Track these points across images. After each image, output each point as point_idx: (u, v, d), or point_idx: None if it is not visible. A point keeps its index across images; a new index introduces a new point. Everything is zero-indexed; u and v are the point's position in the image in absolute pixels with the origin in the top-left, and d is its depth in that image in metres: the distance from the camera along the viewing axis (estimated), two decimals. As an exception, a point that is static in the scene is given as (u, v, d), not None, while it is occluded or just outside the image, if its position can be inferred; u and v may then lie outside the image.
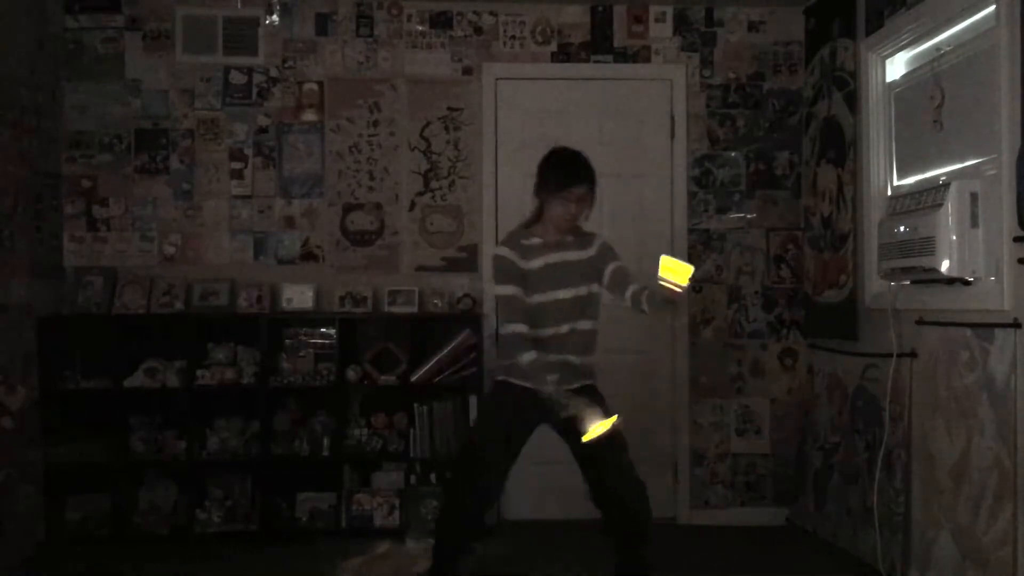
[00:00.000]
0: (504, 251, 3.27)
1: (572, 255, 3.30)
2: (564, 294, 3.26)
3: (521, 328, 3.18)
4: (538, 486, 4.71)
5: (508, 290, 3.23)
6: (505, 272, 3.24)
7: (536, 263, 3.25)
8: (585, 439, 3.05)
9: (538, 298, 3.24)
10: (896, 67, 4.02)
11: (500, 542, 4.46)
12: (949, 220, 3.29)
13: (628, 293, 3.25)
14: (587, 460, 3.28)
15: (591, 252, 3.33)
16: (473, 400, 4.57)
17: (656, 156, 4.90)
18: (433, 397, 4.60)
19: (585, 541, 4.37)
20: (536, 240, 3.28)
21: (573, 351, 3.26)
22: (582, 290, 3.29)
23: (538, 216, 3.32)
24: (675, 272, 2.96)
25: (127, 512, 4.52)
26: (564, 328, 3.25)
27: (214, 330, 4.68)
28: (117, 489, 4.54)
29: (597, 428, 3.04)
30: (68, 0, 4.75)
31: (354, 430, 4.64)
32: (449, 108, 4.87)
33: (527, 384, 3.22)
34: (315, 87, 4.85)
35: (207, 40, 4.81)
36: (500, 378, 3.34)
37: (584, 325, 3.29)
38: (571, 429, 3.21)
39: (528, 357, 3.14)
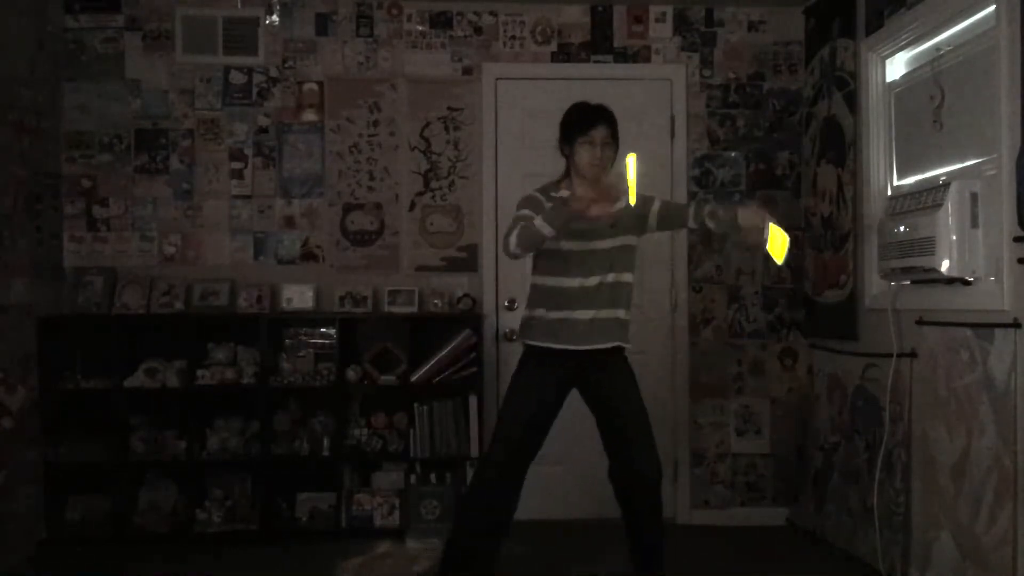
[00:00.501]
0: (534, 192, 3.33)
1: None
2: (598, 244, 3.28)
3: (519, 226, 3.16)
4: (539, 486, 4.70)
5: (525, 212, 3.23)
6: (529, 203, 3.27)
7: None
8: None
9: (568, 245, 3.24)
10: (896, 67, 4.02)
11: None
12: (949, 220, 3.29)
13: (690, 216, 3.33)
14: (608, 425, 3.34)
15: (620, 203, 3.29)
16: (473, 400, 4.58)
17: (656, 156, 4.89)
18: (433, 397, 4.60)
19: (587, 541, 4.38)
20: (565, 192, 3.29)
21: (602, 304, 3.27)
22: (617, 241, 3.31)
23: (565, 174, 3.38)
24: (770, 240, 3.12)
25: (127, 512, 4.52)
26: (592, 280, 3.26)
27: (214, 330, 4.68)
28: (117, 489, 4.53)
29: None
30: (68, 0, 4.76)
31: (354, 430, 4.64)
32: (449, 108, 4.87)
33: (551, 344, 3.25)
34: (315, 87, 4.85)
35: (207, 40, 4.81)
36: (525, 343, 3.36)
37: (610, 278, 3.29)
38: (596, 392, 3.31)
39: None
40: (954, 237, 3.29)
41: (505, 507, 3.39)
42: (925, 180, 3.72)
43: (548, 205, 3.25)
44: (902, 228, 3.54)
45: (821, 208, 4.55)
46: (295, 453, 4.56)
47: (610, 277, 3.30)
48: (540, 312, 3.31)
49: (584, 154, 3.28)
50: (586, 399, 3.41)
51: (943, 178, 3.53)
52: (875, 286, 4.05)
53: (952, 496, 3.39)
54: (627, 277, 3.36)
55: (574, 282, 3.25)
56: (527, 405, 3.31)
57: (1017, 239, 3.04)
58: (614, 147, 3.32)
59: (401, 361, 4.64)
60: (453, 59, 4.88)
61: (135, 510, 4.53)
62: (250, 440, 4.59)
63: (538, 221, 3.12)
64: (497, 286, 4.85)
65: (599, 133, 3.27)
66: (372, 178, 4.86)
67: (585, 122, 3.28)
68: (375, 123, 4.86)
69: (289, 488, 4.60)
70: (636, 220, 3.34)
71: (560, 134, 3.37)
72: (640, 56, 4.91)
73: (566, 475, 4.70)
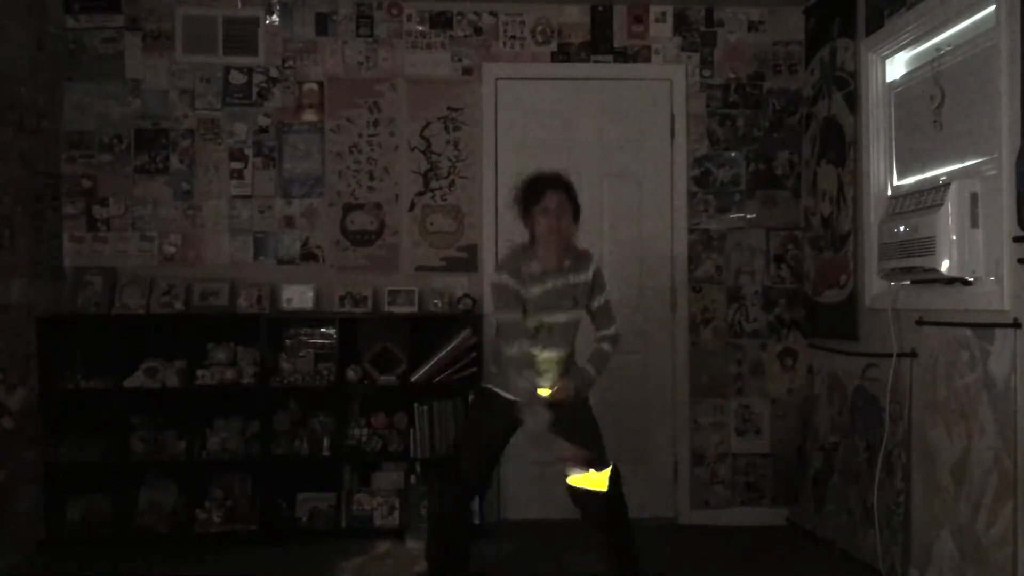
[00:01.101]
0: (505, 279, 3.33)
1: (571, 279, 3.39)
2: (560, 317, 3.37)
3: (526, 348, 3.28)
4: (538, 486, 4.71)
5: (509, 316, 3.31)
6: (506, 301, 3.31)
7: (536, 290, 3.32)
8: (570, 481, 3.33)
9: (535, 319, 3.34)
10: (896, 67, 4.02)
11: (500, 542, 4.46)
12: (949, 220, 3.29)
13: (597, 336, 3.49)
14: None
15: (587, 276, 3.42)
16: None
17: (656, 156, 4.90)
18: (433, 397, 4.60)
19: (585, 541, 4.38)
20: (536, 267, 3.34)
21: (553, 373, 3.40)
22: (574, 314, 3.41)
23: (531, 240, 3.41)
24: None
25: (127, 512, 4.52)
26: (552, 353, 3.36)
27: (214, 330, 4.68)
28: (117, 489, 4.54)
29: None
30: (68, 0, 4.76)
31: (354, 430, 4.64)
32: (449, 108, 4.87)
33: (508, 396, 3.34)
34: (315, 87, 4.85)
35: (207, 40, 4.81)
36: (484, 385, 3.51)
37: (566, 350, 3.42)
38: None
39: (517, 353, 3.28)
40: (954, 237, 3.29)
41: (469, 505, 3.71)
42: (925, 180, 3.72)
43: (518, 287, 3.30)
44: (902, 228, 3.54)
45: (821, 208, 4.55)
46: (295, 453, 4.56)
47: (564, 349, 3.40)
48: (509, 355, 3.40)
49: (542, 222, 3.33)
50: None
51: (943, 178, 3.53)
52: (875, 286, 4.05)
53: (952, 496, 3.39)
54: (571, 348, 3.47)
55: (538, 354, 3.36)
56: (494, 413, 3.44)
57: (1017, 239, 3.04)
58: (572, 211, 3.38)
59: (401, 361, 4.64)
60: (453, 59, 4.88)
61: (135, 510, 4.53)
62: (250, 440, 4.59)
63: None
64: (497, 286, 4.84)
65: (553, 199, 3.32)
66: (372, 178, 4.86)
67: (538, 190, 3.34)
68: (375, 123, 4.86)
69: (289, 488, 4.60)
70: (587, 298, 3.45)
71: (518, 207, 3.42)
72: (640, 56, 4.91)
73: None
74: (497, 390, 3.39)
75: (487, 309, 4.79)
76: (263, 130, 4.83)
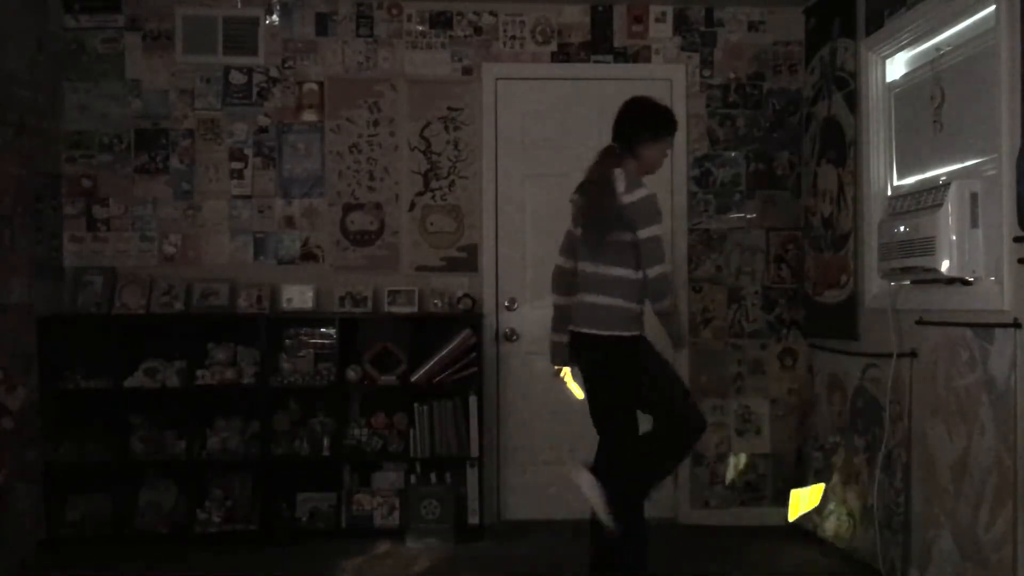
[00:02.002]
0: (650, 190, 3.35)
1: None
2: None
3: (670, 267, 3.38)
4: (538, 486, 4.71)
5: (662, 229, 3.34)
6: (659, 211, 3.34)
7: None
8: None
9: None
10: (896, 67, 4.02)
11: (500, 542, 4.47)
12: (949, 220, 3.29)
13: None
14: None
15: None
16: (473, 400, 4.57)
17: (656, 156, 4.89)
18: (433, 397, 4.60)
19: (586, 541, 4.38)
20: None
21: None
22: None
23: (630, 157, 3.42)
24: None
25: (127, 512, 4.52)
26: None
27: (214, 330, 4.68)
28: (117, 489, 4.54)
29: None
30: (68, 0, 4.76)
31: (354, 430, 4.64)
32: (449, 108, 4.87)
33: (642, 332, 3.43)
34: (315, 87, 4.85)
35: (207, 40, 4.81)
36: (635, 334, 3.39)
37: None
38: None
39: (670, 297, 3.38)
40: (954, 237, 3.28)
41: None
42: (925, 180, 3.72)
43: None
44: (902, 228, 3.54)
45: (821, 208, 4.55)
46: (295, 453, 4.56)
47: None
48: (638, 305, 3.40)
49: (663, 153, 3.49)
50: None
51: (943, 178, 3.53)
52: (875, 286, 4.05)
53: (952, 496, 3.39)
54: None
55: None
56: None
57: (1017, 239, 3.03)
58: None
59: (401, 361, 4.64)
60: (453, 59, 4.88)
61: (135, 510, 4.54)
62: (250, 440, 4.59)
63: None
64: (497, 286, 4.85)
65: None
66: (372, 178, 4.86)
67: (674, 129, 3.52)
68: (375, 123, 4.86)
69: (289, 488, 4.61)
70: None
71: (641, 126, 3.43)
72: (640, 56, 4.91)
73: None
74: (641, 333, 3.42)
75: (487, 308, 4.79)
76: (263, 130, 4.84)
